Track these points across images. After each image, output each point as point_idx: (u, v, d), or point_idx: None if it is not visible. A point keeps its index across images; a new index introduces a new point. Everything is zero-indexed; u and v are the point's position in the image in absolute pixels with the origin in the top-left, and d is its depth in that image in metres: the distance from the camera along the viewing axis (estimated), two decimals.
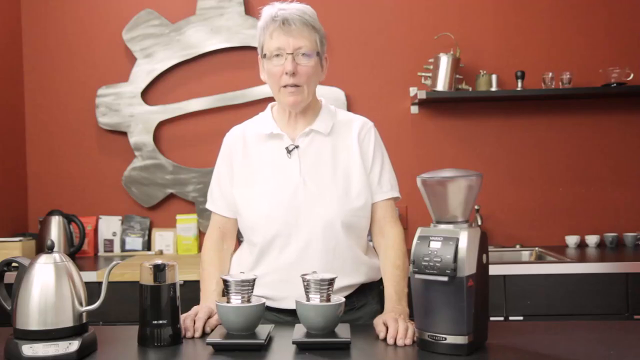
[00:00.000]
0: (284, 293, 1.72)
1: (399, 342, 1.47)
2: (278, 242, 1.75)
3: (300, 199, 1.75)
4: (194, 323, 1.60)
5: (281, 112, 1.84)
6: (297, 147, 1.79)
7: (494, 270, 2.38)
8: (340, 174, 1.78)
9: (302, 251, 1.74)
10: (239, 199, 1.81)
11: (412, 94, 3.37)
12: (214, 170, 1.92)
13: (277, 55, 1.72)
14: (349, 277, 1.77)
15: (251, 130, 1.87)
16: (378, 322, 1.56)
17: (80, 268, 2.83)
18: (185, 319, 1.60)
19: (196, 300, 2.68)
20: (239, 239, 1.96)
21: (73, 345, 1.37)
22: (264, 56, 1.76)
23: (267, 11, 1.75)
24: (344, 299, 1.53)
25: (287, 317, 1.75)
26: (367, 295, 1.86)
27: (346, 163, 1.80)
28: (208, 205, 1.92)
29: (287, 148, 1.79)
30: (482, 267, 1.40)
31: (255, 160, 1.82)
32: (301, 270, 1.64)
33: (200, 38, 3.41)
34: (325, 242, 1.74)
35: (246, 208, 1.79)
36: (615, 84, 3.23)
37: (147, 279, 1.49)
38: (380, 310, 1.80)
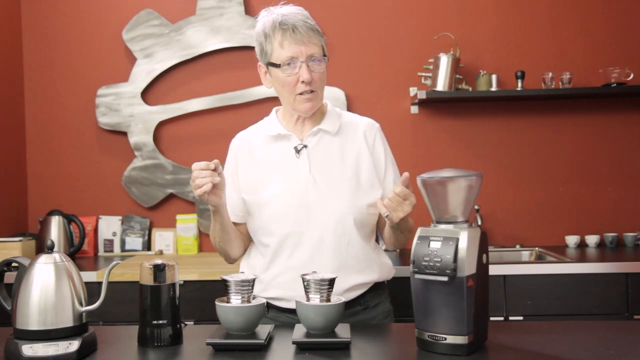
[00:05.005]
0: (297, 293, 1.71)
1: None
2: (291, 241, 1.75)
3: (311, 197, 1.75)
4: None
5: (287, 116, 1.85)
6: (305, 146, 1.80)
7: (494, 270, 2.39)
8: (349, 172, 1.79)
9: (315, 249, 1.74)
10: (249, 202, 1.81)
11: (412, 94, 3.37)
12: None
13: (290, 64, 1.71)
14: (363, 275, 1.79)
15: (257, 134, 1.88)
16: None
17: (80, 268, 2.83)
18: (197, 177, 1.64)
19: (196, 300, 2.69)
20: None
21: (73, 345, 1.37)
22: (275, 65, 1.74)
23: (267, 17, 1.73)
24: (343, 299, 1.54)
25: None
26: (381, 295, 1.88)
27: (355, 162, 1.81)
28: None
29: (295, 148, 1.80)
30: (482, 267, 1.40)
31: (263, 162, 1.83)
32: (315, 269, 1.64)
33: (200, 38, 3.41)
34: (338, 240, 1.75)
35: (257, 209, 1.80)
36: (615, 84, 3.22)
37: (147, 279, 1.49)
38: (392, 310, 1.83)
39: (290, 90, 1.75)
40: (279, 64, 1.72)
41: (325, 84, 1.81)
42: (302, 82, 1.72)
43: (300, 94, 1.74)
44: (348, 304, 1.69)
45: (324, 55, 1.76)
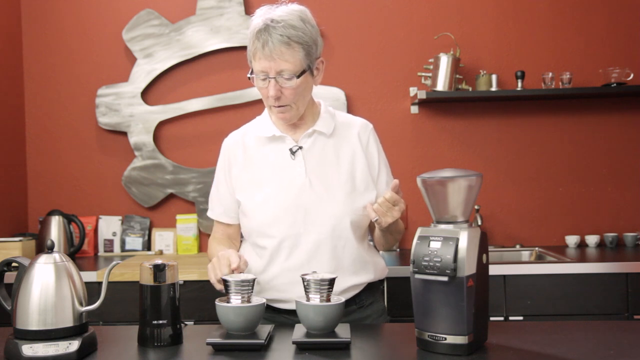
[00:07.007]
0: (294, 294, 1.71)
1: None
2: (287, 243, 1.75)
3: (307, 199, 1.75)
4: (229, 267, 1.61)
5: None
6: (300, 148, 1.79)
7: (494, 270, 2.39)
8: (344, 173, 1.79)
9: (312, 252, 1.74)
10: (243, 203, 1.81)
11: (412, 94, 3.37)
12: (214, 177, 1.92)
13: (261, 77, 1.69)
14: (358, 276, 1.79)
15: (250, 134, 1.87)
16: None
17: (80, 268, 2.84)
18: (220, 267, 1.62)
19: (196, 300, 2.69)
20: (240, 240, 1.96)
21: (73, 345, 1.37)
22: (251, 73, 1.73)
23: (255, 20, 1.69)
24: (343, 299, 1.54)
25: (296, 317, 1.75)
26: (375, 293, 1.89)
27: (350, 163, 1.81)
28: (208, 213, 1.95)
29: (291, 149, 1.79)
30: (482, 267, 1.40)
31: (257, 163, 1.82)
32: (312, 270, 1.64)
33: (200, 38, 3.41)
34: (335, 242, 1.75)
35: (253, 212, 1.79)
36: (615, 84, 3.22)
37: (147, 279, 1.49)
38: (386, 308, 1.83)
39: (264, 100, 1.76)
40: (253, 76, 1.71)
41: (305, 95, 1.74)
42: (270, 96, 1.70)
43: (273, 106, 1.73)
44: None
45: (304, 70, 1.68)
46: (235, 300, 1.50)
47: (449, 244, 1.35)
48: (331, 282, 1.52)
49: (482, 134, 3.42)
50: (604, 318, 2.69)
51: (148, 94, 3.45)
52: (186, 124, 3.46)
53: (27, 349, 1.35)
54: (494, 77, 3.27)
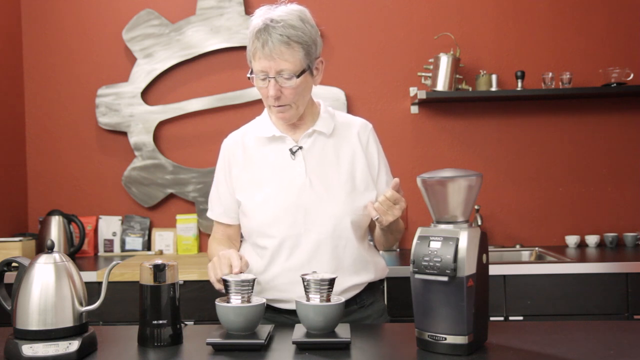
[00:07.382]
0: (295, 294, 1.70)
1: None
2: (288, 243, 1.75)
3: (307, 199, 1.75)
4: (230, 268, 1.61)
5: None
6: (300, 148, 1.80)
7: (494, 270, 2.39)
8: (344, 173, 1.79)
9: (313, 252, 1.74)
10: (243, 203, 1.81)
11: (412, 94, 3.37)
12: (214, 178, 1.92)
13: (261, 77, 1.69)
14: (359, 276, 1.80)
15: (250, 135, 1.87)
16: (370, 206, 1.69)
17: (80, 268, 2.84)
18: (220, 267, 1.62)
19: (196, 300, 2.69)
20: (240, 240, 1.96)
21: (73, 345, 1.38)
22: (251, 73, 1.73)
23: (255, 20, 1.69)
24: (343, 299, 1.54)
25: (296, 317, 1.75)
26: (375, 293, 1.89)
27: (350, 163, 1.81)
28: (208, 214, 1.95)
29: (291, 149, 1.80)
30: (482, 267, 1.40)
31: (257, 163, 1.82)
32: (312, 270, 1.64)
33: (200, 38, 3.41)
34: (335, 241, 1.75)
35: (253, 212, 1.79)
36: (615, 84, 3.22)
37: (147, 279, 1.49)
38: (386, 307, 1.84)
39: (264, 100, 1.76)
40: (254, 73, 1.71)
41: (305, 94, 1.74)
42: (270, 96, 1.70)
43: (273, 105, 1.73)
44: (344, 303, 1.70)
45: (304, 69, 1.69)
46: (235, 300, 1.50)
47: (449, 244, 1.35)
48: (331, 282, 1.52)
49: (482, 134, 3.42)
50: (604, 318, 2.69)
51: (148, 94, 3.45)
52: (186, 124, 3.46)
53: (27, 349, 1.36)
54: (494, 77, 3.27)
